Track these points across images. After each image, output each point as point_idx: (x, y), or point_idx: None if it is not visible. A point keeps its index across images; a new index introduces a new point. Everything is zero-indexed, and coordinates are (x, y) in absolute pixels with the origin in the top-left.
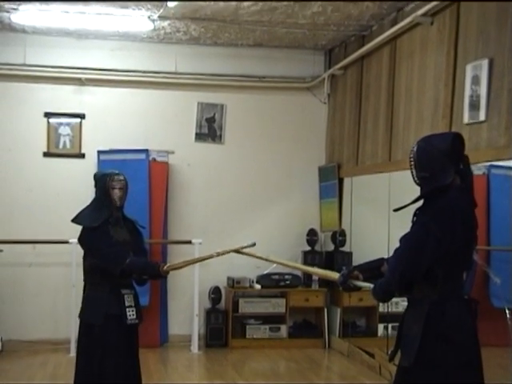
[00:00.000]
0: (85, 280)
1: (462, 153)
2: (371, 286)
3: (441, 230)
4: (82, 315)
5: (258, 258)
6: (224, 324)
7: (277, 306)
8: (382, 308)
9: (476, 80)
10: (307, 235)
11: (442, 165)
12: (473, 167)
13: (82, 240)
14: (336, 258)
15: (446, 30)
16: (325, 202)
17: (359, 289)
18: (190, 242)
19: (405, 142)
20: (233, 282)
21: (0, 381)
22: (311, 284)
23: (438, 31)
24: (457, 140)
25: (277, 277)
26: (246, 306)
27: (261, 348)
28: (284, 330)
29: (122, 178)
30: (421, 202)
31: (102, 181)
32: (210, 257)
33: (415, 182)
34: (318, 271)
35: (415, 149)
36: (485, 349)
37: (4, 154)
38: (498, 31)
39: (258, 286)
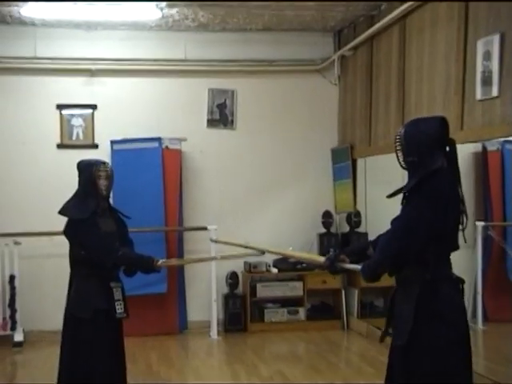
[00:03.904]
0: (72, 272)
1: (448, 136)
2: (358, 267)
3: (432, 213)
4: (69, 308)
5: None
6: (242, 309)
7: (294, 289)
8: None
9: (487, 55)
10: (322, 217)
11: (430, 149)
12: (487, 143)
13: (69, 232)
14: (352, 239)
15: (455, 5)
16: (339, 183)
17: (345, 271)
18: (205, 229)
19: None
20: (249, 267)
21: (23, 371)
22: None
23: (447, 7)
24: (443, 124)
25: (293, 260)
26: (264, 290)
27: (279, 331)
28: (302, 312)
29: (108, 167)
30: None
31: (88, 170)
32: (213, 258)
33: (401, 165)
34: (302, 255)
35: (402, 133)
36: (502, 324)
37: (18, 148)
38: (509, 5)
39: (274, 270)
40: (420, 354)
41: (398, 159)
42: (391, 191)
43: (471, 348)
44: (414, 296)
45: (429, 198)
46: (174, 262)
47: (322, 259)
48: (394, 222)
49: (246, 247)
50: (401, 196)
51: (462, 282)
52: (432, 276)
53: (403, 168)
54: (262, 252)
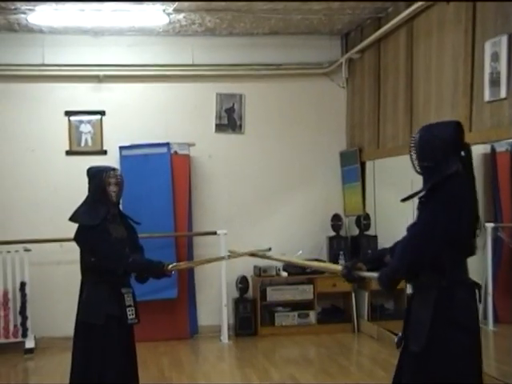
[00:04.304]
0: (82, 279)
1: (463, 140)
2: (375, 275)
3: (448, 218)
4: (81, 315)
5: (265, 258)
6: (252, 313)
7: (304, 292)
8: (410, 290)
9: (495, 57)
10: (331, 220)
11: (444, 154)
12: (495, 144)
13: (80, 239)
14: (361, 242)
15: (463, 7)
16: (348, 186)
17: (363, 279)
18: (215, 233)
19: (425, 123)
20: (259, 271)
21: (35, 377)
22: None
23: (455, 9)
24: (458, 128)
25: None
26: (274, 294)
27: (290, 335)
28: (312, 316)
29: (118, 173)
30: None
31: (98, 177)
32: (222, 258)
33: (416, 170)
34: (319, 265)
35: (417, 138)
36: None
37: (28, 155)
38: None
39: (284, 274)
40: (434, 358)
41: (413, 164)
42: (400, 193)
43: (482, 353)
44: (431, 302)
45: (444, 202)
46: (183, 265)
47: (338, 268)
48: (411, 228)
49: (262, 257)
50: (412, 199)
51: (479, 287)
52: (448, 282)
53: (418, 173)
54: (269, 249)
